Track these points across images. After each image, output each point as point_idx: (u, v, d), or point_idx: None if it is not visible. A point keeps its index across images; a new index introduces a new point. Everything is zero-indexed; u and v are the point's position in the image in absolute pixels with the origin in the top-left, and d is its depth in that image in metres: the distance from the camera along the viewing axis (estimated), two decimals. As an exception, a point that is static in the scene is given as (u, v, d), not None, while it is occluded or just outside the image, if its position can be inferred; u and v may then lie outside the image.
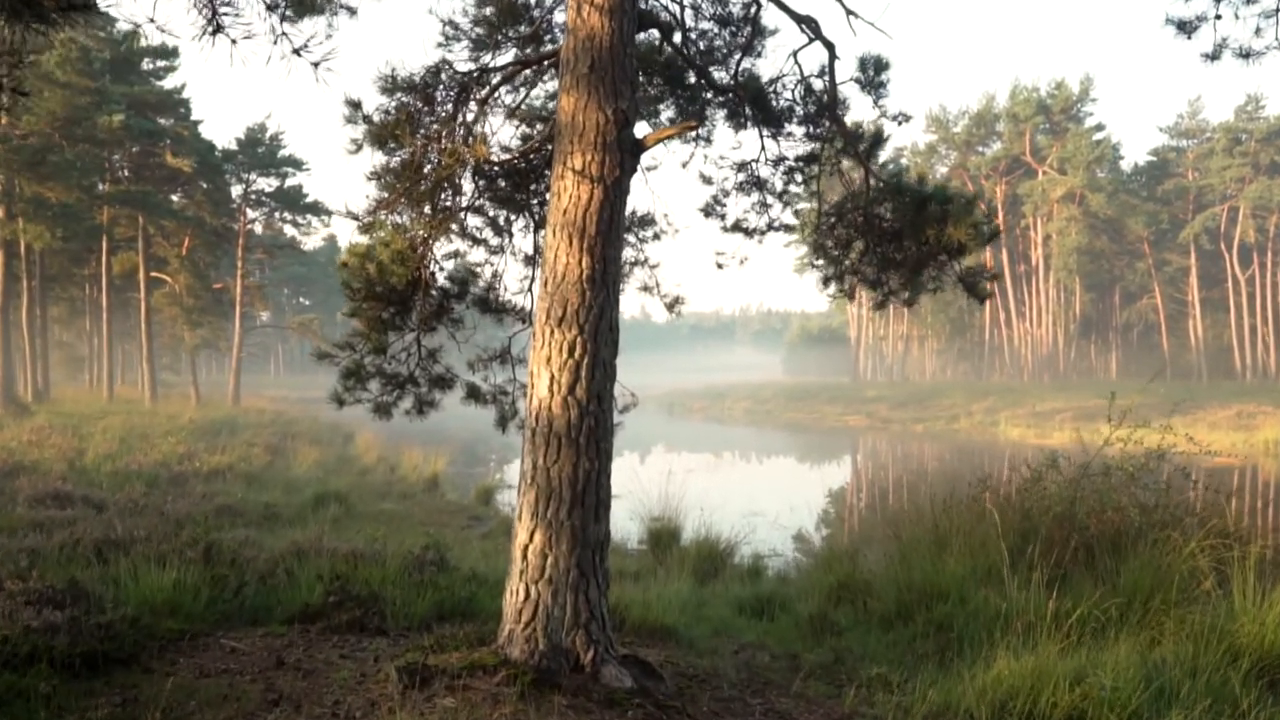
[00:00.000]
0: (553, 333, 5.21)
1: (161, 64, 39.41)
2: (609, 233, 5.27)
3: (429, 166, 6.20)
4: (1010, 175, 74.86)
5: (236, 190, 44.52)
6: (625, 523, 14.84)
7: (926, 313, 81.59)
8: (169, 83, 39.54)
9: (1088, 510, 8.70)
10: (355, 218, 6.24)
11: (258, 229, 51.60)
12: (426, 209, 6.73)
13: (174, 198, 41.46)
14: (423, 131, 5.97)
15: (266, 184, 44.88)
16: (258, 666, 5.39)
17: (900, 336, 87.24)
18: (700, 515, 12.46)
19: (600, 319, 5.23)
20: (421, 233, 6.53)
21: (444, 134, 6.02)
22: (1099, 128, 71.33)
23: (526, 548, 5.19)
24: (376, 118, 5.96)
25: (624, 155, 5.33)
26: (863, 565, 10.18)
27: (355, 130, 5.96)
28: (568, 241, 5.24)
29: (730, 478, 27.75)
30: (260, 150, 43.76)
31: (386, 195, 6.18)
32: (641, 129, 6.06)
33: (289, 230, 54.19)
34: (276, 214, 47.56)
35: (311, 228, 48.57)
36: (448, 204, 6.88)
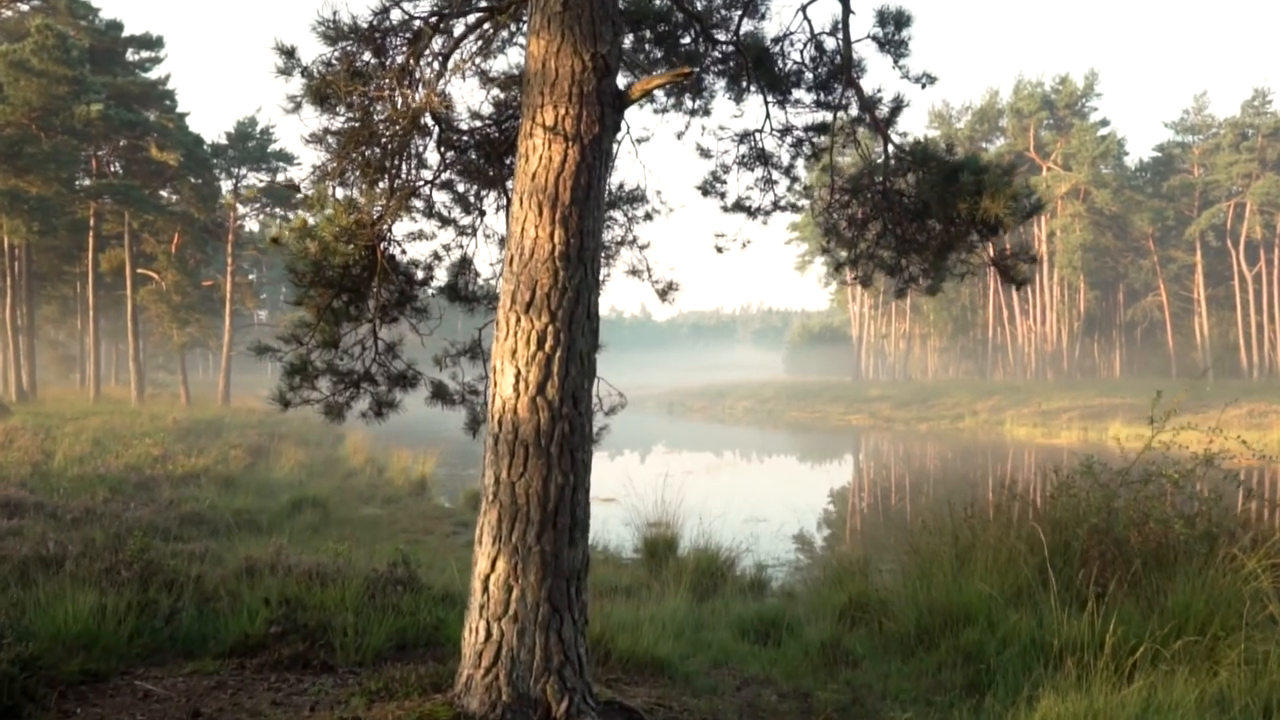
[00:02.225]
0: (519, 320, 4.35)
1: (146, 55, 38.47)
2: (586, 201, 4.41)
3: (382, 126, 5.33)
4: (1014, 171, 73.88)
5: (227, 185, 43.61)
6: (619, 529, 14.01)
7: (929, 310, 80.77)
8: (155, 74, 38.67)
9: (1127, 521, 7.84)
10: (294, 188, 5.38)
11: (254, 225, 50.74)
12: (383, 183, 5.86)
13: (163, 193, 40.55)
14: (373, 85, 5.11)
15: (257, 179, 43.95)
16: (169, 718, 4.54)
17: (902, 335, 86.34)
18: (699, 522, 11.60)
19: (576, 304, 4.37)
20: (377, 208, 5.67)
21: (396, 90, 5.17)
22: (1104, 123, 70.45)
23: (488, 578, 4.33)
24: (316, 69, 5.11)
25: (604, 109, 4.48)
26: (876, 580, 9.34)
27: (292, 85, 5.11)
28: (537, 211, 4.39)
29: (731, 480, 26.90)
30: (250, 144, 42.80)
31: (331, 162, 5.33)
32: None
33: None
34: (268, 209, 46.63)
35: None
36: (409, 176, 6.02)
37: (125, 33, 36.95)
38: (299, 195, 5.36)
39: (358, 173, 5.46)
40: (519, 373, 4.32)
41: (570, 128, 4.40)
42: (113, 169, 38.03)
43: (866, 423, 54.78)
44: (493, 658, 4.27)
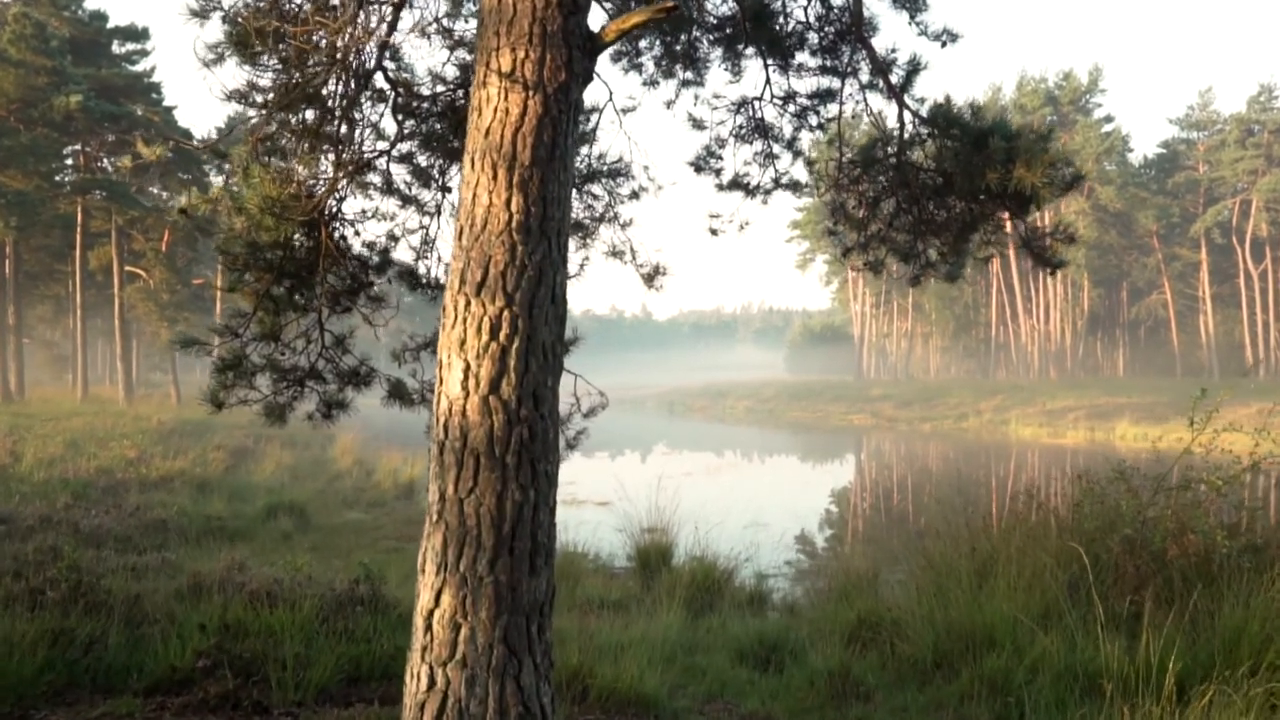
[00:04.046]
0: (468, 304, 3.63)
1: (132, 47, 37.63)
2: (550, 162, 3.69)
3: (323, 85, 4.61)
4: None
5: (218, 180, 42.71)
6: (612, 536, 13.28)
7: (931, 309, 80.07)
8: (141, 67, 37.81)
9: (1164, 532, 7.11)
10: (219, 153, 4.65)
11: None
12: (330, 154, 5.14)
13: (153, 189, 39.78)
14: (307, 32, 4.38)
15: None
16: (55, 779, 3.82)
17: (904, 334, 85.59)
18: (697, 529, 10.88)
19: (538, 285, 3.65)
20: (321, 180, 4.94)
21: (335, 39, 4.44)
22: (1108, 119, 69.67)
23: (431, 614, 3.61)
24: (238, 11, 4.37)
25: (572, 52, 3.75)
26: (886, 594, 8.63)
27: (210, 30, 4.39)
28: (490, 174, 3.66)
29: (731, 482, 26.16)
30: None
31: (259, 122, 4.59)
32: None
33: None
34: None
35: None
36: (360, 147, 5.29)
37: (110, 24, 36.17)
38: (221, 158, 4.63)
39: (295, 138, 4.74)
40: (468, 367, 3.60)
41: (531, 74, 3.68)
42: (101, 164, 37.27)
43: (869, 422, 54.06)
44: (436, 711, 3.55)
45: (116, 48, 37.45)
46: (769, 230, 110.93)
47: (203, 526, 12.21)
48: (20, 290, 38.14)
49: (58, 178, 35.26)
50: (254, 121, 4.50)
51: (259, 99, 4.46)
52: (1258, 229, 63.62)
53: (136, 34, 37.21)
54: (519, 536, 3.58)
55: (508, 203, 3.63)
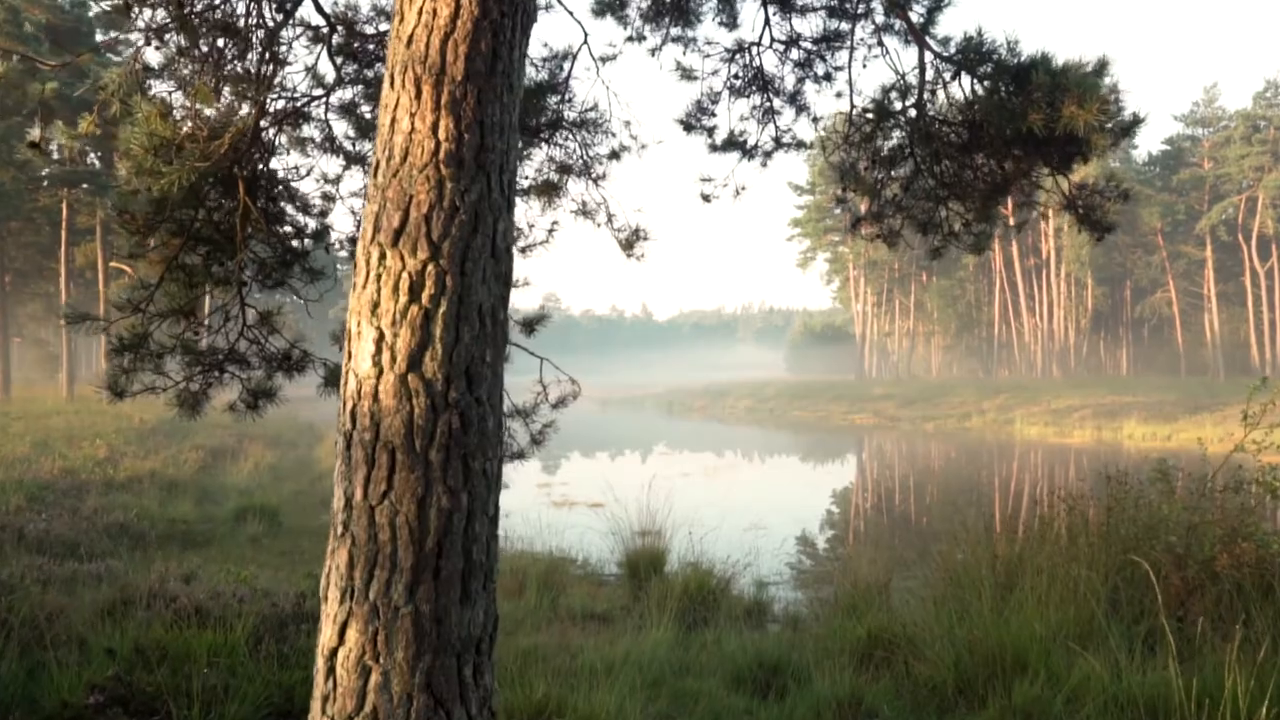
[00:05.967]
0: (383, 257, 2.85)
1: (116, 35, 36.80)
2: (490, 77, 2.90)
3: (228, 8, 3.82)
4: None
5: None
6: (603, 540, 12.50)
7: (933, 308, 79.30)
8: (125, 57, 37.02)
9: (1214, 540, 6.33)
10: (97, 87, 3.86)
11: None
12: (252, 98, 4.34)
13: (142, 185, 38.95)
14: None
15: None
16: None
17: (906, 333, 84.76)
18: (692, 534, 10.11)
19: (472, 232, 2.86)
20: (234, 120, 4.15)
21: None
22: (1112, 115, 68.87)
23: (334, 654, 2.82)
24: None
25: (518, -61, 2.96)
26: (898, 606, 7.84)
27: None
28: (413, 92, 2.87)
29: (730, 483, 25.36)
30: (233, 135, 41.11)
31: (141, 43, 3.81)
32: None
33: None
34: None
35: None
36: (292, 92, 4.50)
37: (91, 11, 35.42)
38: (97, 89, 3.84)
39: (199, 70, 3.95)
40: (381, 337, 2.81)
41: (465, -34, 2.89)
42: (87, 157, 36.46)
43: (870, 422, 53.24)
44: (341, 778, 2.76)
45: (99, 36, 36.67)
46: (769, 229, 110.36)
47: (165, 531, 11.45)
48: (8, 288, 37.40)
49: (43, 171, 34.52)
50: (131, 39, 3.74)
51: (143, 17, 3.69)
52: (1263, 226, 62.82)
53: (120, 22, 36.34)
54: (447, 554, 2.79)
55: (434, 128, 2.84)
